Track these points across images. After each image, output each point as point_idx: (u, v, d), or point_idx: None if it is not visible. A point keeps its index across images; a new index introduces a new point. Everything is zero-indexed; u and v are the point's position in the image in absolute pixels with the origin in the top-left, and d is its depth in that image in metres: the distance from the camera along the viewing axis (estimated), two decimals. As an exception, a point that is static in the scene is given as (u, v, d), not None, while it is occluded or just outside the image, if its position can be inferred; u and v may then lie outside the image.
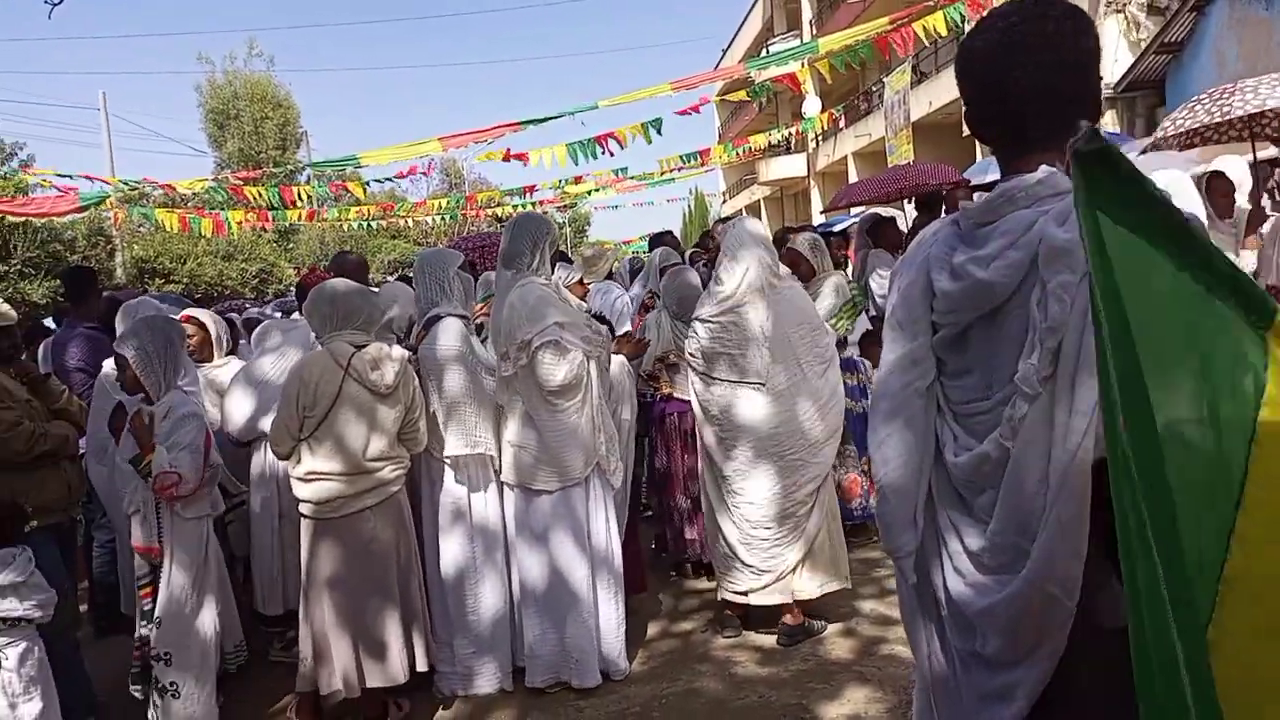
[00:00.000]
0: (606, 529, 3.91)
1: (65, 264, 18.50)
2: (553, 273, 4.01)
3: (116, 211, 15.32)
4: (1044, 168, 1.33)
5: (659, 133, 10.69)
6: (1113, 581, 1.27)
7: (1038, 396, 1.25)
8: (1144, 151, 6.37)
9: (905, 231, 7.36)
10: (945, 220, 1.50)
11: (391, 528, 3.58)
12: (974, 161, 15.95)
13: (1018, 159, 1.41)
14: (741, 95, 12.95)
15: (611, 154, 11.28)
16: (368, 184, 15.84)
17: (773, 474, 3.95)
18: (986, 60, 1.42)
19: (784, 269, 4.20)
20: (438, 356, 3.79)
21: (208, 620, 3.49)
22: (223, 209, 18.48)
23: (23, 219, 16.66)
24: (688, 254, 7.64)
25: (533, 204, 18.69)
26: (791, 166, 30.82)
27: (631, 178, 19.19)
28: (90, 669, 3.78)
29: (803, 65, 11.30)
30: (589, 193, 20.33)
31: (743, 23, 35.14)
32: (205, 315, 4.70)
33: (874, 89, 22.68)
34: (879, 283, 6.15)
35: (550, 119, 10.54)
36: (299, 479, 3.48)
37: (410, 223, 26.82)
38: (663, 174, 18.78)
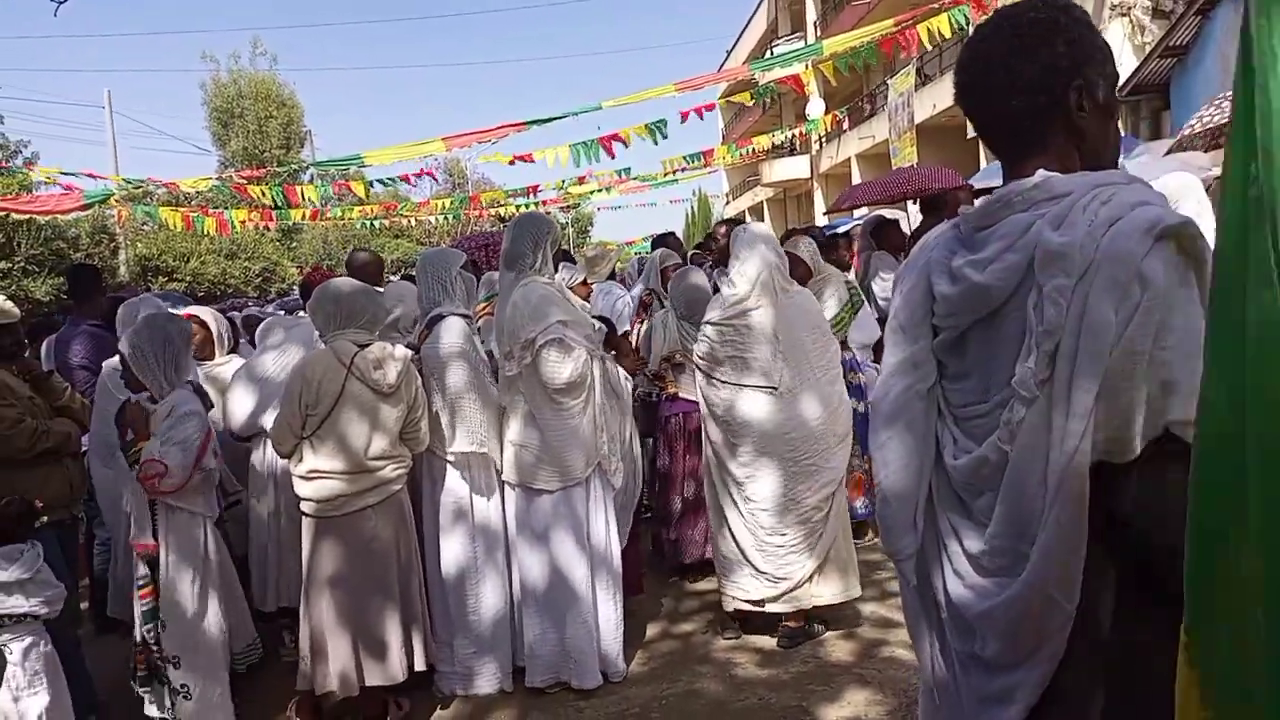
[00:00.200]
0: (606, 529, 3.91)
1: (69, 262, 18.55)
2: (555, 272, 4.01)
3: (120, 210, 15.34)
4: (1041, 172, 1.33)
5: (664, 135, 10.70)
6: (1113, 585, 1.27)
7: (1035, 400, 1.25)
8: (1169, 151, 6.38)
9: (908, 234, 7.35)
10: (947, 224, 1.50)
11: (392, 527, 3.59)
12: (977, 163, 15.97)
13: (1017, 164, 1.41)
14: (745, 97, 12.93)
15: (614, 155, 11.29)
16: (370, 184, 15.85)
17: (786, 478, 3.95)
18: (984, 65, 1.42)
19: (785, 273, 4.21)
20: (440, 355, 3.79)
21: (213, 620, 3.50)
22: (226, 208, 18.52)
23: (27, 216, 16.68)
24: (690, 254, 7.64)
25: (536, 204, 18.71)
26: (795, 168, 30.81)
27: (635, 178, 19.20)
28: (90, 667, 3.78)
29: (807, 67, 11.30)
30: (592, 193, 20.33)
31: (747, 24, 35.14)
32: (206, 313, 4.72)
33: (878, 91, 22.70)
34: (882, 285, 6.16)
35: (554, 119, 10.56)
36: (300, 477, 3.49)
37: (413, 222, 26.85)
38: (666, 175, 18.80)
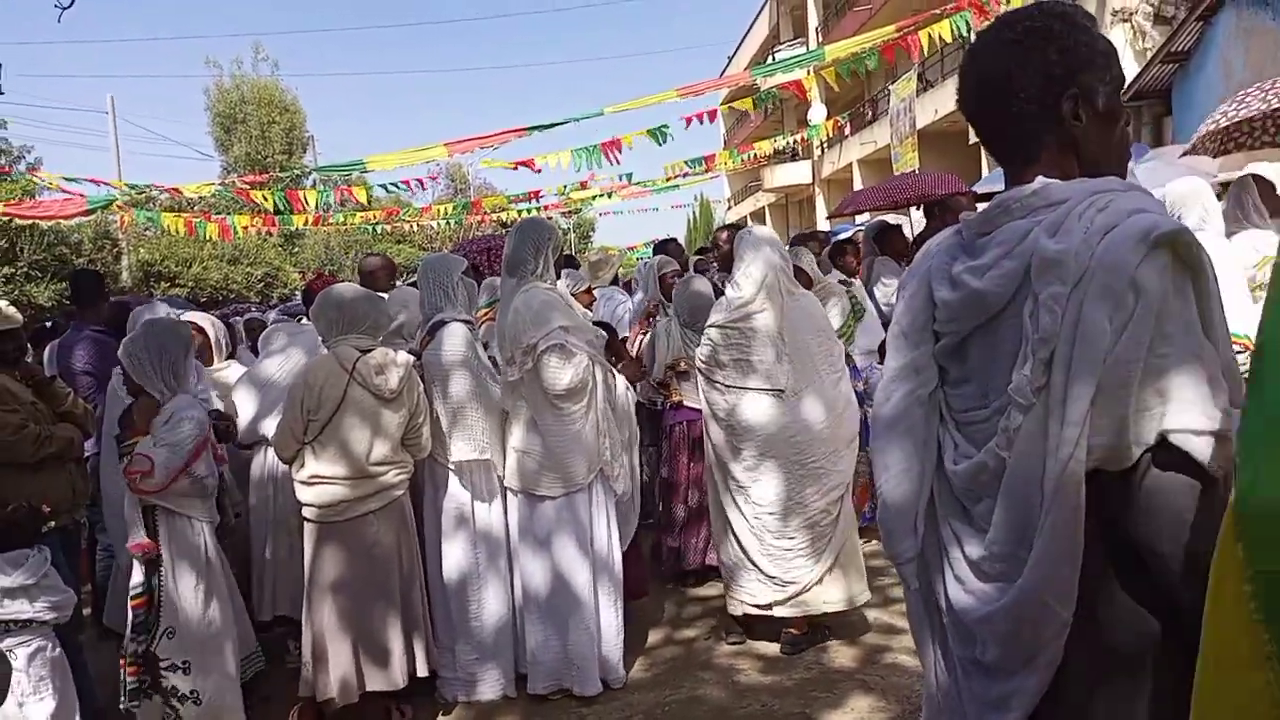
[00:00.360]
0: (608, 535, 3.91)
1: (72, 267, 18.61)
2: (557, 278, 4.02)
3: (123, 215, 15.37)
4: (1040, 179, 1.34)
5: (669, 138, 10.73)
6: (1113, 592, 1.27)
7: (1031, 407, 1.25)
8: (1184, 154, 6.39)
9: (911, 239, 7.36)
10: (949, 230, 1.51)
11: (394, 532, 3.59)
12: (979, 169, 15.98)
13: (1018, 171, 1.41)
14: (748, 104, 12.94)
15: (617, 161, 11.31)
16: (372, 189, 15.89)
17: (791, 481, 3.94)
18: (981, 73, 1.43)
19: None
20: (443, 361, 3.79)
21: (220, 624, 3.48)
22: (228, 213, 18.55)
23: (30, 222, 16.72)
24: (691, 260, 7.64)
25: (537, 209, 18.72)
26: (797, 173, 30.86)
27: (637, 184, 19.21)
28: (92, 672, 3.77)
29: (809, 73, 11.32)
30: (594, 198, 20.36)
31: (749, 30, 35.19)
32: (204, 319, 4.74)
33: (879, 96, 22.72)
34: (884, 290, 6.16)
35: (556, 125, 10.57)
36: (302, 483, 3.49)
37: (415, 227, 26.88)
38: (668, 180, 18.80)
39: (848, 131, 24.02)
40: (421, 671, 3.66)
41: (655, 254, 7.00)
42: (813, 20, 28.29)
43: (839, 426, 4.02)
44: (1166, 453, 1.18)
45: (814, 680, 3.86)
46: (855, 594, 4.09)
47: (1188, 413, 1.16)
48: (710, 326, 4.12)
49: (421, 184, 15.01)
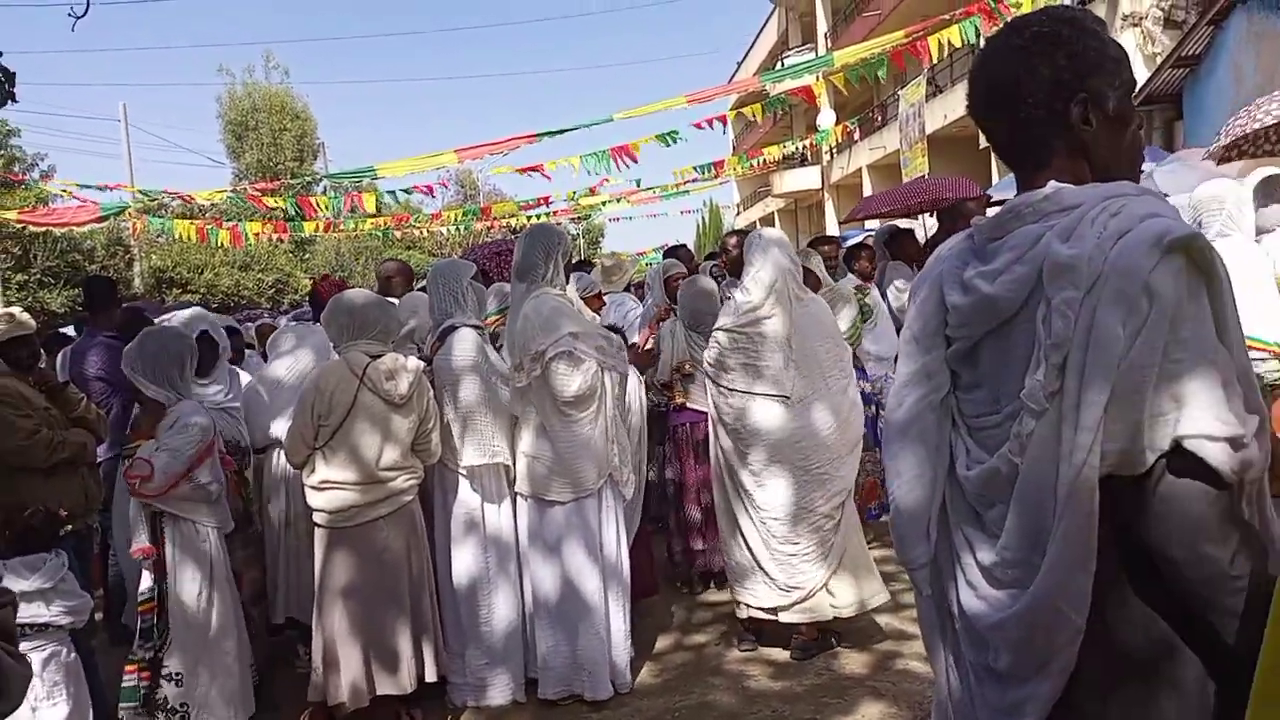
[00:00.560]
0: (617, 540, 3.91)
1: (84, 273, 18.72)
2: (567, 284, 4.02)
3: (135, 222, 15.47)
4: (1052, 183, 1.33)
5: (680, 140, 10.78)
6: (1126, 599, 1.26)
7: (1044, 412, 1.25)
8: (1205, 158, 6.37)
9: (923, 244, 7.34)
10: (961, 235, 1.50)
11: (404, 537, 3.59)
12: (989, 174, 15.96)
13: (1028, 176, 1.41)
14: (757, 110, 12.94)
15: (626, 166, 11.34)
16: (381, 196, 15.96)
17: (796, 486, 3.94)
18: (990, 79, 1.43)
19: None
20: (453, 367, 3.80)
21: (220, 629, 3.48)
22: (240, 220, 18.63)
23: (44, 229, 16.83)
24: (702, 266, 7.63)
25: (547, 215, 18.75)
26: (806, 179, 30.82)
27: (646, 189, 19.24)
28: (104, 676, 3.79)
29: (818, 78, 11.32)
30: (604, 204, 20.38)
31: (758, 35, 35.20)
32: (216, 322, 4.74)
33: (889, 102, 22.69)
34: (896, 295, 6.16)
35: (565, 131, 10.60)
36: (313, 488, 3.50)
37: (425, 233, 26.95)
38: (677, 186, 18.81)
39: (857, 137, 24.01)
40: (431, 676, 3.66)
41: (665, 259, 6.99)
42: (821, 26, 28.28)
43: (844, 433, 4.01)
44: (1181, 459, 1.17)
45: (825, 686, 3.84)
46: (867, 596, 4.07)
47: (1203, 418, 1.16)
48: (717, 330, 4.12)
49: (431, 190, 15.06)
